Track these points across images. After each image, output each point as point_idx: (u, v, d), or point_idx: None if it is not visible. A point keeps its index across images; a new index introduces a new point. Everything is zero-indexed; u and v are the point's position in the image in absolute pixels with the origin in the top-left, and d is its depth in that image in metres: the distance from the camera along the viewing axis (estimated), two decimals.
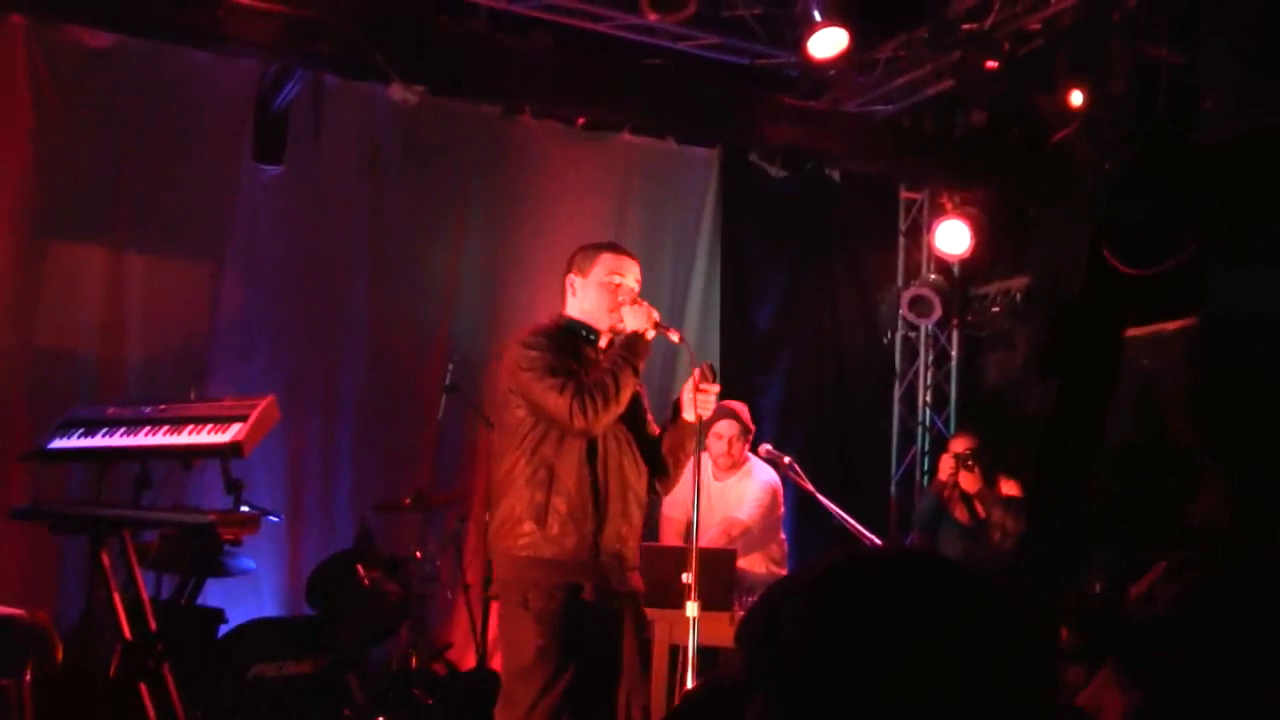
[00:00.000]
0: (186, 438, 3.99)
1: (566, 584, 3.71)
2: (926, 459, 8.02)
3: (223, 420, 3.97)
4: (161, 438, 4.03)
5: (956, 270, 7.99)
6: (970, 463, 6.14)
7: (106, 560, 4.04)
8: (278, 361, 6.31)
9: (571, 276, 4.03)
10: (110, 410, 4.28)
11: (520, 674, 3.68)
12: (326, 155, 6.48)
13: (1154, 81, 5.81)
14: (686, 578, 3.81)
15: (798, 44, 6.22)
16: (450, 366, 6.27)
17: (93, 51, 5.93)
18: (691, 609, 3.76)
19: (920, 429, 8.10)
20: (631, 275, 3.99)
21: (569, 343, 3.91)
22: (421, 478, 6.36)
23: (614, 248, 4.08)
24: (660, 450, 4.01)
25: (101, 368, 5.95)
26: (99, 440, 4.12)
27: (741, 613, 4.34)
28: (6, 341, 5.75)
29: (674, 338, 4.05)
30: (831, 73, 6.73)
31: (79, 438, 4.16)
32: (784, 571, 5.78)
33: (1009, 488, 6.26)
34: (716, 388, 3.91)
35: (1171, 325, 6.37)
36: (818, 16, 6.00)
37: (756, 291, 7.66)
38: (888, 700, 1.17)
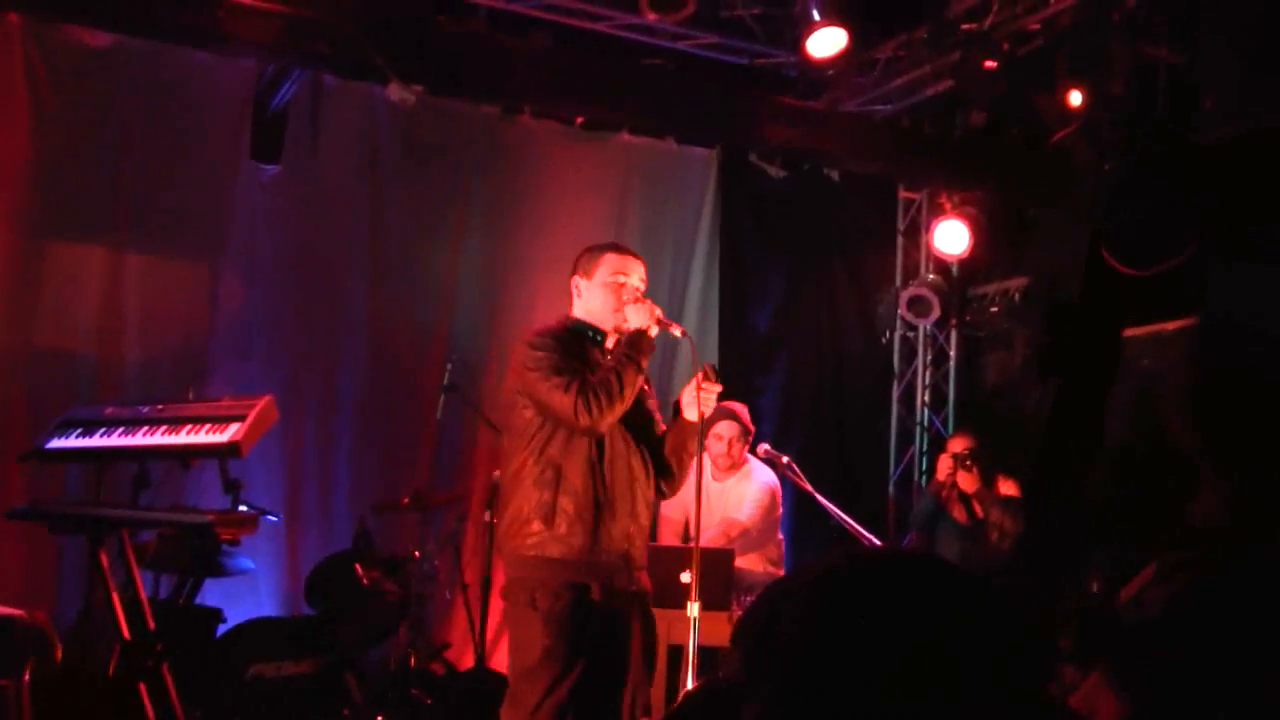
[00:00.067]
0: (185, 438, 3.99)
1: (574, 584, 3.72)
2: (925, 459, 8.02)
3: (221, 420, 3.97)
4: (160, 438, 4.02)
5: (955, 270, 7.99)
6: (969, 463, 6.14)
7: (105, 560, 4.04)
8: (276, 361, 6.31)
9: (576, 278, 4.04)
10: (109, 410, 4.28)
11: (527, 673, 3.69)
12: (325, 155, 6.47)
13: (1153, 82, 5.81)
14: (685, 578, 3.81)
15: (797, 44, 6.22)
16: (449, 366, 6.26)
17: (91, 51, 5.93)
18: (693, 609, 3.76)
19: (918, 429, 8.11)
20: (636, 275, 4.00)
21: (576, 344, 3.92)
22: (420, 478, 6.36)
23: (618, 248, 4.09)
24: (663, 451, 4.01)
25: (100, 367, 5.95)
26: (97, 440, 4.12)
27: (739, 612, 4.34)
28: (5, 341, 5.75)
29: (676, 332, 4.06)
30: (830, 73, 6.72)
31: (77, 437, 4.16)
32: (781, 572, 5.78)
33: (1007, 488, 6.26)
34: (718, 388, 3.91)
35: (1171, 325, 6.37)
36: (817, 16, 6.00)
37: (755, 291, 7.66)
38: (888, 700, 1.17)
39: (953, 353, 8.12)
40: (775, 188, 7.61)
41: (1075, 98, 5.91)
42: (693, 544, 3.95)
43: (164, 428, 4.04)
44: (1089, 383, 6.40)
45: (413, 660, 5.66)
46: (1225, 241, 5.79)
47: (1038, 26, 6.21)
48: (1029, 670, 1.23)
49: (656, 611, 4.00)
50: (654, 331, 3.91)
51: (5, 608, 3.88)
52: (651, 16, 6.07)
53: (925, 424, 8.11)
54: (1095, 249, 6.19)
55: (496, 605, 6.07)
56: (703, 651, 3.83)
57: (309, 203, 6.44)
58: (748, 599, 4.94)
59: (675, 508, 5.51)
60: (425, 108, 6.28)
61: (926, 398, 8.13)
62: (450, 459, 6.65)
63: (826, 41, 6.09)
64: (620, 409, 3.77)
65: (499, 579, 6.18)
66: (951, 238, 7.37)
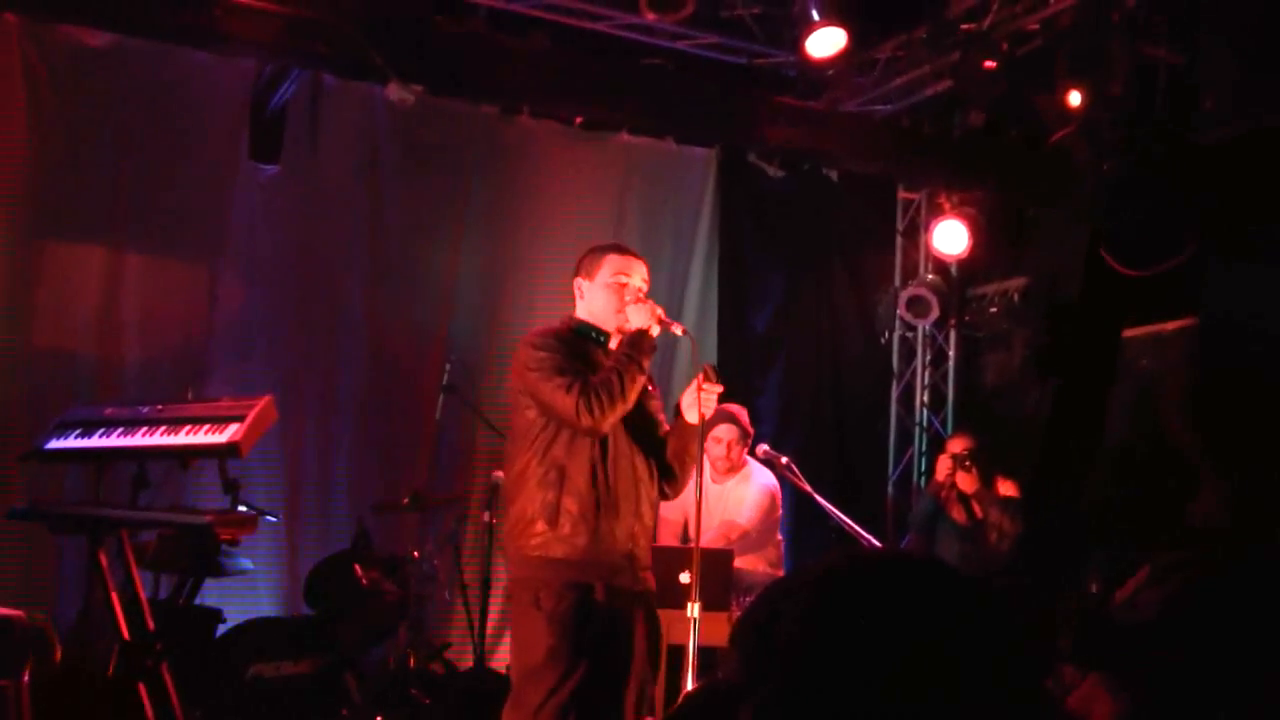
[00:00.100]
0: (184, 438, 3.98)
1: (578, 584, 3.73)
2: (924, 459, 8.02)
3: (220, 420, 3.97)
4: (159, 438, 4.02)
5: (954, 270, 7.99)
6: (968, 463, 6.14)
7: (104, 560, 4.04)
8: (275, 361, 6.31)
9: (579, 280, 4.04)
10: (108, 410, 4.28)
11: (530, 673, 3.69)
12: (324, 155, 6.47)
13: (1153, 82, 5.81)
14: (685, 578, 3.81)
15: (796, 44, 6.22)
16: (448, 366, 6.27)
17: (89, 51, 5.92)
18: (693, 609, 3.76)
19: (918, 429, 8.11)
20: (638, 275, 4.00)
21: (579, 345, 3.94)
22: (419, 478, 6.36)
23: (619, 249, 4.10)
24: (665, 455, 4.02)
25: (99, 368, 5.95)
26: (96, 440, 4.12)
27: (739, 612, 4.34)
28: (4, 341, 5.74)
29: (678, 331, 4.06)
30: (830, 73, 6.72)
31: (76, 438, 4.16)
32: (780, 572, 5.78)
33: (1006, 488, 6.26)
34: (719, 388, 3.92)
35: (1171, 325, 6.37)
36: (816, 16, 5.99)
37: (754, 291, 7.66)
38: (888, 700, 1.17)
39: (952, 353, 8.12)
40: (774, 188, 7.61)
41: (1075, 98, 5.91)
42: (692, 545, 3.95)
43: (163, 428, 4.04)
44: (1089, 383, 6.39)
45: (412, 660, 5.66)
46: (1225, 241, 5.79)
47: (1037, 26, 6.21)
48: (1029, 670, 1.23)
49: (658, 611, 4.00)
50: (655, 331, 3.92)
51: (5, 608, 3.88)
52: (651, 16, 6.07)
53: (924, 424, 8.11)
54: (1095, 249, 6.19)
55: (496, 605, 6.08)
56: (702, 652, 3.83)
57: (308, 203, 6.44)
58: (747, 599, 4.94)
59: (674, 509, 5.50)
60: (424, 107, 6.27)
61: (925, 398, 8.13)
62: (449, 459, 6.65)
63: (826, 41, 6.09)
64: (622, 409, 3.78)
65: (498, 579, 6.20)
66: (950, 238, 7.38)
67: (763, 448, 5.59)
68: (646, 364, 3.87)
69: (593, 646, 3.71)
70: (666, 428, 4.09)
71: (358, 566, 5.54)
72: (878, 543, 5.29)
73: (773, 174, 7.59)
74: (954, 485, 6.21)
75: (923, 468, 8.00)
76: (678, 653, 4.16)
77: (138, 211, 6.04)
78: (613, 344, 3.99)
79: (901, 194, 8.21)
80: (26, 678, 3.77)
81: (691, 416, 3.90)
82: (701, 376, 3.88)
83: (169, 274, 6.19)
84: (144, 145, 6.05)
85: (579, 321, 4.03)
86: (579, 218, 6.86)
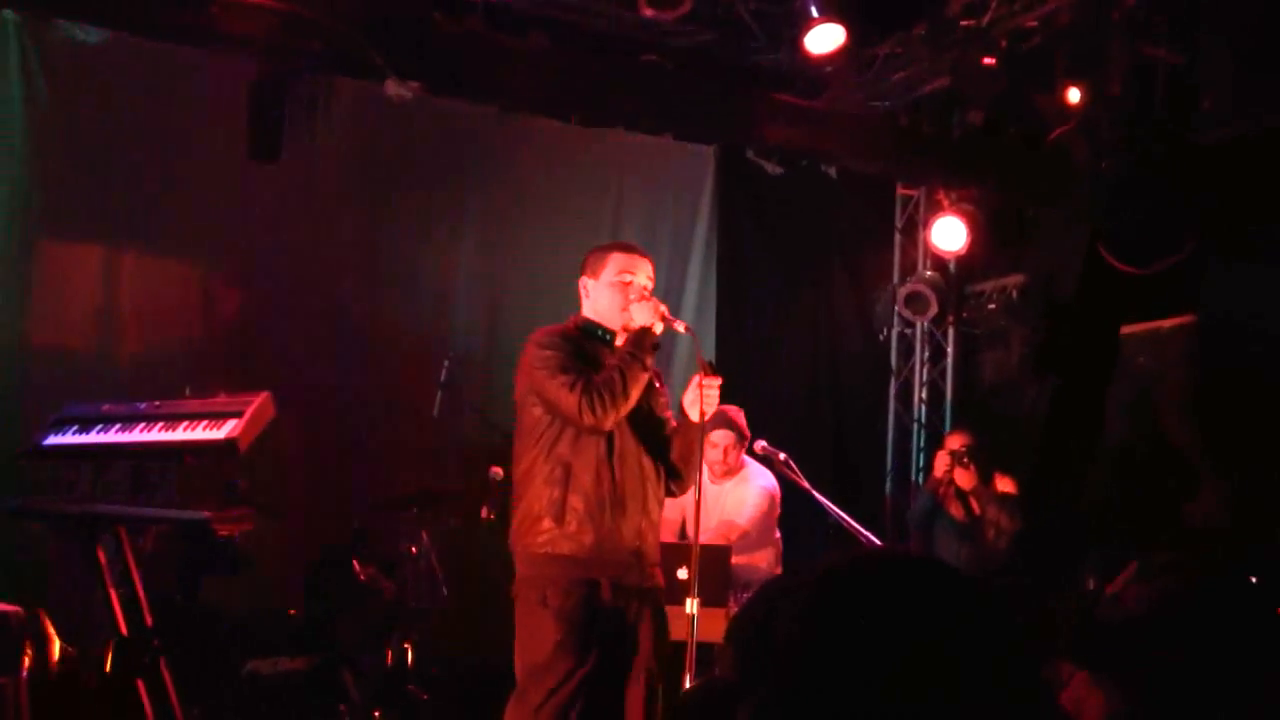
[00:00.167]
0: (182, 434, 3.98)
1: (584, 580, 3.74)
2: (922, 455, 8.02)
3: (218, 417, 3.97)
4: (157, 434, 4.01)
5: (953, 267, 7.99)
6: (966, 459, 6.14)
7: (103, 557, 4.03)
8: (273, 358, 6.30)
9: (584, 279, 4.05)
10: (105, 406, 4.27)
11: (536, 669, 3.71)
12: (322, 151, 6.46)
13: (1152, 81, 5.80)
14: (682, 574, 3.82)
15: (795, 41, 6.22)
16: (446, 363, 6.26)
17: (87, 49, 5.92)
18: (691, 605, 3.77)
19: (916, 426, 8.11)
20: (643, 274, 4.01)
21: (585, 344, 3.95)
22: (417, 474, 6.35)
23: (625, 247, 4.12)
24: (671, 455, 4.02)
25: (97, 365, 5.95)
26: (94, 437, 4.11)
27: (736, 609, 4.34)
28: (2, 339, 5.74)
29: (680, 329, 4.07)
30: (829, 70, 6.72)
31: (74, 434, 4.15)
32: (779, 569, 5.79)
33: (1004, 484, 6.27)
34: (718, 379, 3.92)
35: (1168, 323, 6.37)
36: (815, 13, 5.99)
37: (752, 288, 7.66)
38: (888, 700, 1.17)
39: (950, 350, 8.12)
40: (773, 185, 7.61)
41: (1074, 94, 5.91)
42: (690, 541, 3.95)
43: (161, 424, 4.03)
44: (1087, 381, 6.40)
45: (410, 657, 5.66)
46: (1225, 241, 5.79)
47: (1036, 24, 6.20)
48: (1029, 670, 1.23)
49: None
50: (659, 329, 3.93)
51: (2, 605, 3.88)
52: (649, 13, 6.07)
53: (922, 421, 8.11)
54: (1093, 247, 6.19)
55: (493, 602, 6.07)
56: (700, 648, 3.84)
57: (306, 199, 6.43)
58: (745, 595, 4.94)
59: (672, 508, 5.49)
60: (422, 105, 6.27)
61: (924, 394, 8.13)
62: (447, 456, 6.65)
63: (825, 38, 6.09)
64: (624, 408, 3.79)
65: (496, 576, 6.20)
66: (949, 234, 7.37)
67: (761, 443, 5.59)
68: (650, 362, 3.87)
69: (599, 643, 3.72)
70: (674, 424, 4.09)
71: (356, 563, 5.54)
72: (875, 539, 5.29)
73: (771, 171, 7.58)
74: (952, 481, 6.21)
75: (921, 464, 8.00)
76: (676, 649, 4.16)
77: (135, 209, 6.04)
78: (619, 342, 4.00)
79: (900, 190, 8.21)
80: (25, 674, 3.77)
81: (695, 414, 3.91)
82: (700, 373, 3.88)
83: (167, 271, 6.19)
84: (141, 143, 6.05)
85: (585, 320, 4.04)
86: (577, 215, 6.87)
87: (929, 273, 7.86)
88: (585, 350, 3.92)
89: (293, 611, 5.78)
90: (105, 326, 5.99)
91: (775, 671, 1.23)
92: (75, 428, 4.16)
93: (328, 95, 6.45)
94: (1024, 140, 6.78)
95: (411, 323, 6.68)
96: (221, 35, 5.71)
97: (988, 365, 8.04)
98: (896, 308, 7.93)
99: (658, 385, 4.05)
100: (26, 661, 3.85)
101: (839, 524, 5.34)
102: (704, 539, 5.13)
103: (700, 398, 3.85)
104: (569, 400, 3.72)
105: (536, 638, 3.73)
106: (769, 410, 7.45)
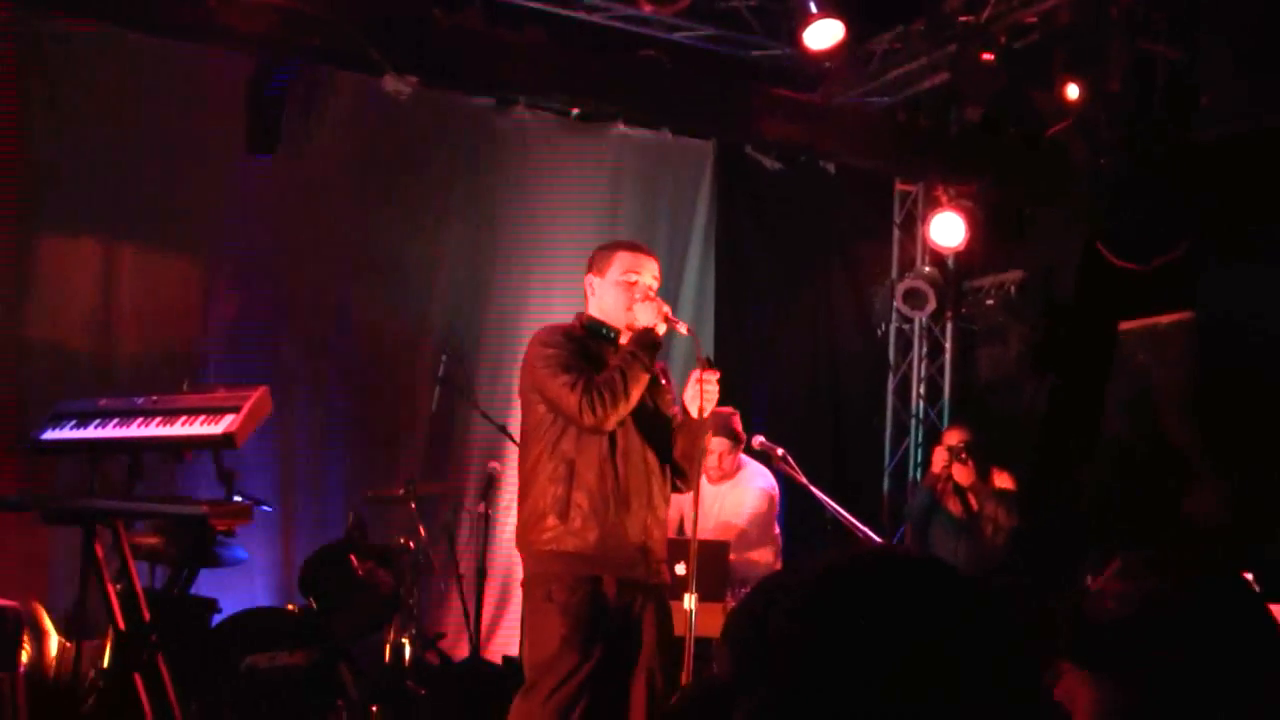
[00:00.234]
0: (179, 429, 3.98)
1: (589, 577, 3.76)
2: (920, 451, 8.02)
3: (215, 411, 3.96)
4: (154, 429, 4.01)
5: (951, 263, 7.98)
6: (964, 455, 6.13)
7: (100, 551, 4.03)
8: (271, 352, 6.30)
9: (590, 277, 4.05)
10: (102, 401, 4.26)
11: (543, 665, 3.72)
12: (319, 146, 6.46)
13: (1152, 79, 5.80)
14: (680, 569, 3.82)
15: (793, 36, 6.21)
16: (443, 357, 6.26)
17: (85, 44, 5.90)
18: (689, 601, 3.78)
19: (914, 421, 8.10)
20: (648, 273, 4.01)
21: (589, 343, 3.95)
22: (414, 468, 6.35)
23: (631, 246, 4.12)
24: (675, 454, 4.02)
25: (94, 360, 5.95)
26: (91, 432, 4.11)
27: (734, 604, 4.34)
28: None
29: (682, 330, 4.07)
30: (827, 65, 6.71)
31: (72, 429, 4.15)
32: (779, 565, 5.79)
33: (1002, 480, 6.26)
34: (716, 373, 3.92)
35: (1166, 319, 6.37)
36: (813, 8, 6.00)
37: (750, 283, 7.66)
38: (887, 700, 1.16)
39: (948, 345, 8.11)
40: (771, 181, 7.60)
41: (1072, 91, 5.90)
42: (688, 537, 3.96)
43: (159, 419, 4.03)
44: (1085, 378, 6.40)
45: (407, 651, 5.66)
46: (1224, 241, 5.79)
47: (1035, 20, 6.20)
48: (1029, 670, 1.23)
49: None
50: (662, 330, 3.93)
51: (0, 600, 3.88)
52: (647, 8, 6.06)
53: (920, 416, 8.11)
54: (1091, 243, 6.19)
55: (491, 596, 6.08)
56: (698, 643, 3.84)
57: (303, 194, 6.43)
58: (743, 591, 4.94)
59: (670, 505, 5.50)
60: (420, 99, 6.26)
61: (922, 390, 8.13)
62: (444, 450, 6.66)
63: (823, 33, 6.09)
64: (625, 408, 3.79)
65: (493, 569, 6.21)
66: (947, 230, 7.37)
67: (759, 439, 5.58)
68: (652, 362, 3.87)
69: (604, 638, 3.73)
70: (681, 419, 4.09)
71: (353, 557, 5.54)
72: (873, 535, 5.29)
73: (769, 166, 7.57)
74: (950, 477, 6.21)
75: (919, 460, 8.00)
76: (675, 643, 4.17)
77: (133, 204, 6.03)
78: (623, 341, 4.00)
79: (898, 186, 8.20)
80: (22, 669, 3.77)
81: (695, 410, 3.91)
82: (699, 371, 3.88)
83: (164, 265, 6.19)
84: (139, 138, 6.04)
85: (590, 319, 4.04)
86: (575, 210, 6.86)
87: (927, 268, 7.86)
88: (589, 349, 3.92)
89: (291, 606, 5.78)
90: (103, 322, 5.99)
91: (773, 671, 1.23)
92: (73, 422, 4.16)
93: (326, 91, 6.45)
94: (1023, 137, 6.78)
95: (408, 318, 6.68)
96: (220, 30, 5.70)
97: (986, 361, 8.03)
98: (895, 303, 7.93)
99: (664, 381, 4.05)
100: (24, 657, 3.85)
101: (837, 520, 5.34)
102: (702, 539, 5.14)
103: (700, 393, 3.85)
104: (570, 400, 3.73)
105: (543, 633, 3.74)
106: (768, 406, 7.47)
